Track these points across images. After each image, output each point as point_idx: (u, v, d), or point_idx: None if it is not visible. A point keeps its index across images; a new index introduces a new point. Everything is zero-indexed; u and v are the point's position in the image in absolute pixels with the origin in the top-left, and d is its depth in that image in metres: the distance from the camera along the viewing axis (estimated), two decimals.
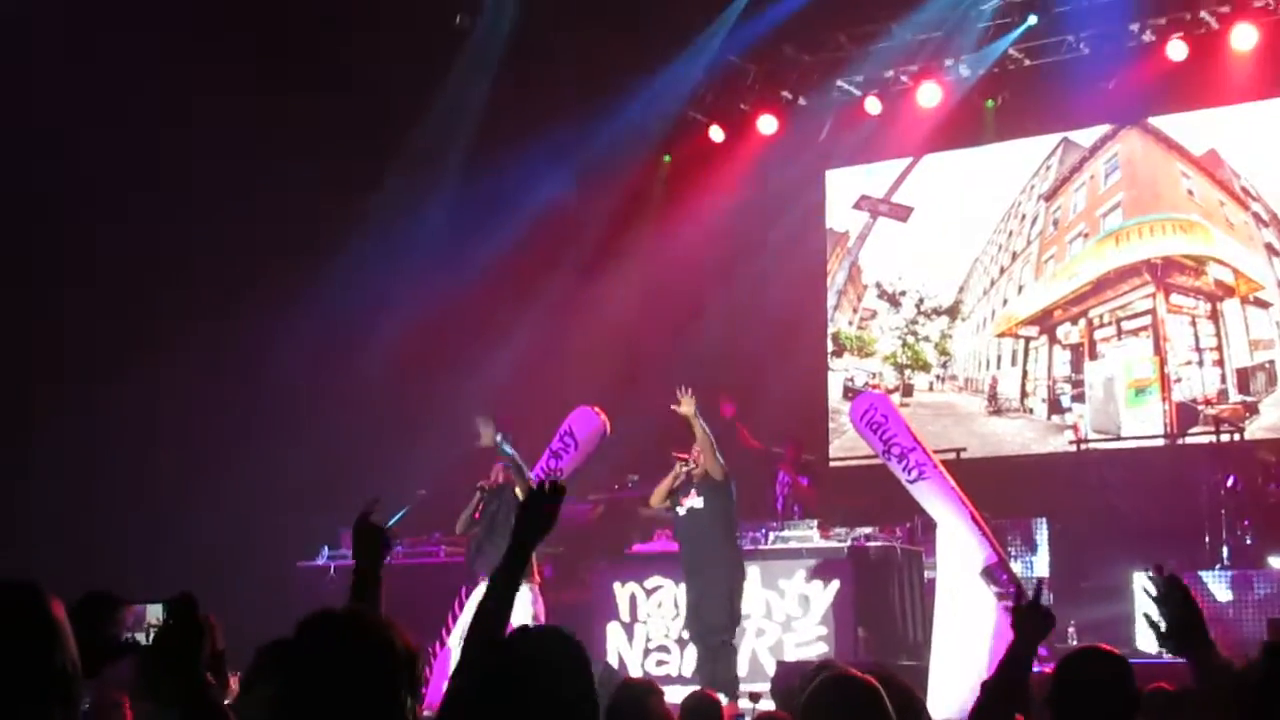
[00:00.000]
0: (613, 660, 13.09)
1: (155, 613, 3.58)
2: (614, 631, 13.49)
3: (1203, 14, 15.76)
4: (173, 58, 14.00)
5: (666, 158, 18.80)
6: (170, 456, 14.67)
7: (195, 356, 14.66)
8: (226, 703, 3.91)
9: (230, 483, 14.31)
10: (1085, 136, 17.21)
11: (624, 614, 13.52)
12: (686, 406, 11.49)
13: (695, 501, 11.60)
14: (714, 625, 11.41)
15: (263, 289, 14.95)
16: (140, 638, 3.57)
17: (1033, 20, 16.34)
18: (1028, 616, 4.41)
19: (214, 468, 14.48)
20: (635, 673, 13.05)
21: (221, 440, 14.89)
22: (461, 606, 12.31)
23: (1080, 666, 4.41)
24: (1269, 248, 15.91)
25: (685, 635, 12.42)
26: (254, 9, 14.69)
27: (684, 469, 11.65)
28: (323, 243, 15.62)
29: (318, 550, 14.46)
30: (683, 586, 12.33)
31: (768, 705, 9.07)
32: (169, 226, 14.62)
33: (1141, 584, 12.68)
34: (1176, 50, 15.85)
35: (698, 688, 7.92)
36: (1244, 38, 15.50)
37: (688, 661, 12.68)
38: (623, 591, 13.61)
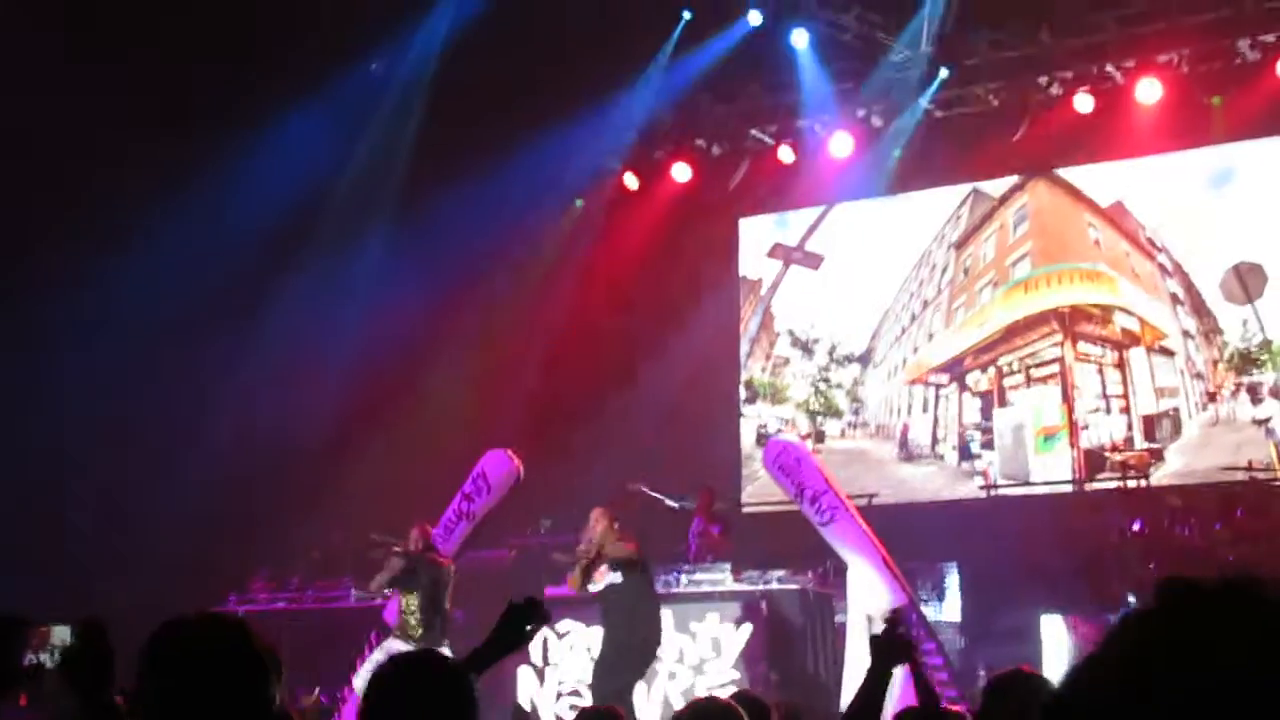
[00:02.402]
0: (525, 704, 13.03)
1: (61, 634, 3.50)
2: (525, 675, 13.39)
3: (1109, 68, 16.08)
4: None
5: (578, 202, 18.86)
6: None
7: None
8: None
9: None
10: (995, 187, 17.45)
11: (535, 657, 13.42)
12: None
13: (613, 577, 11.55)
14: (614, 688, 11.26)
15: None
16: (45, 658, 3.47)
17: (944, 74, 16.63)
18: (885, 646, 4.61)
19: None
20: (547, 717, 12.99)
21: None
22: (371, 651, 12.22)
23: (1010, 686, 4.47)
24: (1174, 297, 16.18)
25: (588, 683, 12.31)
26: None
27: (583, 550, 11.63)
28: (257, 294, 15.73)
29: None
30: (595, 628, 12.26)
31: None
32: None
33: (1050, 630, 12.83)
34: (1083, 103, 16.17)
35: None
36: (1149, 91, 15.82)
37: None
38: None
